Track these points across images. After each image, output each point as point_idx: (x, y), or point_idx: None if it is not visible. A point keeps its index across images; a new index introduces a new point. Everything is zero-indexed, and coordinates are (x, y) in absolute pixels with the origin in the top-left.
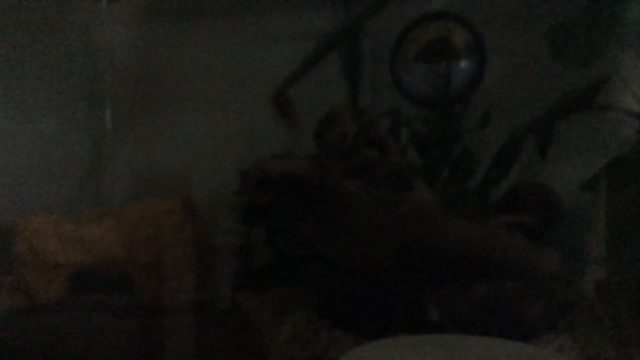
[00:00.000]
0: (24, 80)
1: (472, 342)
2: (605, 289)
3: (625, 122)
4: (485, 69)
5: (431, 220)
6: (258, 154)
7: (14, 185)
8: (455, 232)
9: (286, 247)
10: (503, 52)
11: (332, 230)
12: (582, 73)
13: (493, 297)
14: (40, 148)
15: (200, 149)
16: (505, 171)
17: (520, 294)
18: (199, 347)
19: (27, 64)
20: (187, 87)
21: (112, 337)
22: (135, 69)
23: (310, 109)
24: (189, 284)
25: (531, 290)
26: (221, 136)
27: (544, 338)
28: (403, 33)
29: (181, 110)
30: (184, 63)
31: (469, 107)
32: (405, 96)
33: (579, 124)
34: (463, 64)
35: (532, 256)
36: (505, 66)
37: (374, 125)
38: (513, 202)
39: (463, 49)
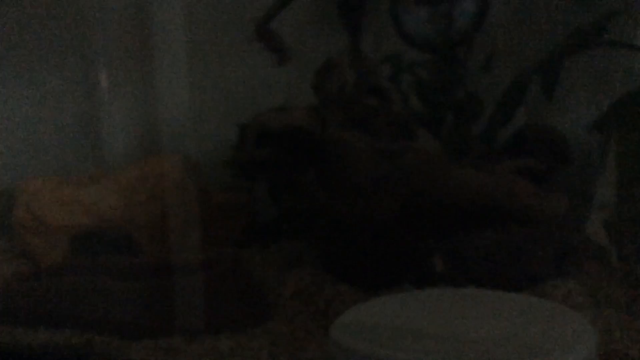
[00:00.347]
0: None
1: (475, 296)
2: (615, 230)
3: (635, 58)
4: (488, 9)
5: (435, 169)
6: (258, 105)
7: (13, 148)
8: (460, 180)
9: (289, 202)
10: None
11: (334, 183)
12: (590, 9)
13: (499, 245)
14: (37, 109)
15: (198, 102)
16: (510, 114)
17: (527, 240)
18: (203, 306)
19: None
20: (179, 36)
21: (116, 299)
22: (126, 20)
23: (306, 57)
24: (192, 243)
25: (538, 235)
26: (219, 87)
27: (552, 283)
28: None
29: (176, 60)
30: (171, 10)
31: (472, 50)
32: (406, 40)
33: (587, 63)
34: (465, 4)
35: (539, 201)
36: (509, 5)
37: (374, 73)
38: (519, 146)
39: None
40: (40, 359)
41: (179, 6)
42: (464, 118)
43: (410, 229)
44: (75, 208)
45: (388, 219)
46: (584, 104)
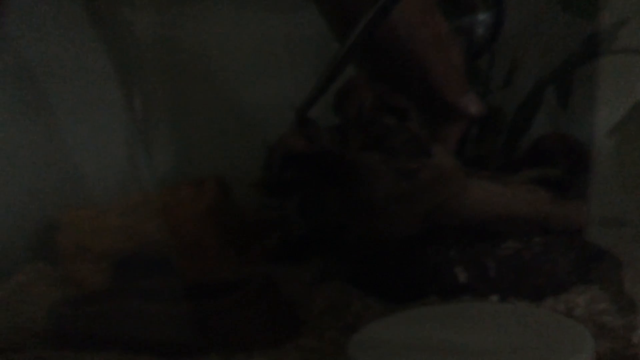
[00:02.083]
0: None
1: (492, 310)
2: (636, 233)
3: None
4: (504, 20)
5: (452, 184)
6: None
7: (58, 177)
8: (478, 194)
9: (317, 219)
10: (519, 4)
11: (355, 202)
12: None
13: (520, 254)
14: (79, 140)
15: (226, 126)
16: (528, 124)
17: (548, 249)
18: (237, 324)
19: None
20: (208, 66)
21: (155, 321)
22: (158, 52)
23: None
24: (227, 262)
25: (559, 244)
26: (247, 112)
27: (575, 290)
28: None
29: (207, 88)
30: (204, 44)
31: (494, 63)
32: None
33: (601, 70)
34: (481, 16)
35: (558, 210)
36: (524, 18)
37: (391, 92)
38: (538, 155)
39: (480, 2)
40: None
41: None
42: (489, 131)
43: (431, 242)
44: (115, 234)
45: (409, 233)
46: (603, 110)
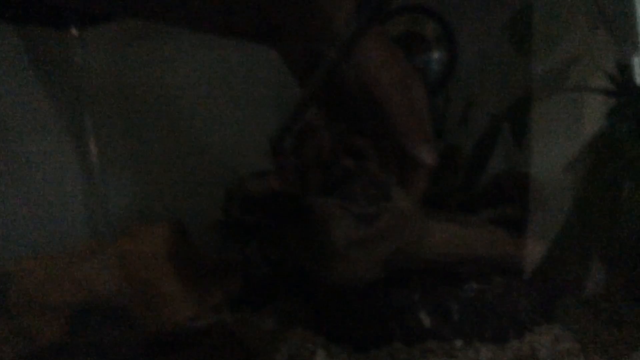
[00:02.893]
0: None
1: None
2: (600, 267)
3: (598, 100)
4: (457, 61)
5: (412, 228)
6: (244, 166)
7: (8, 227)
8: (438, 236)
9: (278, 263)
10: (472, 43)
11: (315, 246)
12: (552, 56)
13: (483, 296)
14: (31, 184)
15: (185, 167)
16: (484, 163)
17: (509, 289)
18: None
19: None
20: (167, 104)
21: None
22: (115, 92)
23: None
24: (187, 310)
25: (520, 283)
26: (205, 152)
27: (538, 330)
28: None
29: (164, 129)
30: (160, 83)
31: (449, 101)
32: None
33: (554, 107)
34: (435, 55)
35: (517, 249)
36: (476, 56)
37: (350, 133)
38: (495, 193)
39: (434, 41)
40: None
41: None
42: (447, 169)
43: (394, 286)
44: (69, 285)
45: (371, 278)
46: (558, 146)
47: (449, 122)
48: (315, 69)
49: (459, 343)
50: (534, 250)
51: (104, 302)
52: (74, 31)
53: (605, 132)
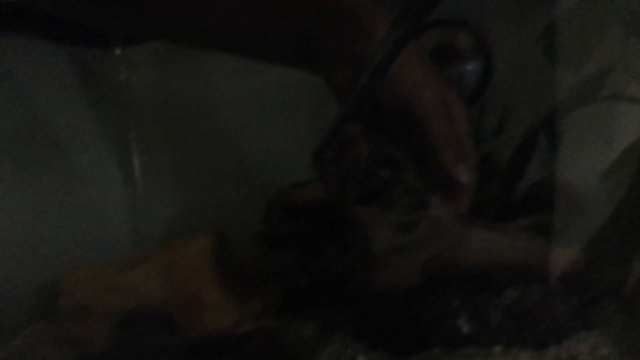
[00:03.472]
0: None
1: None
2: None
3: (633, 109)
4: (492, 71)
5: (449, 235)
6: (283, 179)
7: (57, 238)
8: (475, 243)
9: (318, 271)
10: (507, 54)
11: (354, 255)
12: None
13: (521, 303)
14: (78, 200)
15: (226, 179)
16: (521, 171)
17: (548, 296)
18: None
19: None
20: (207, 121)
21: None
22: (156, 109)
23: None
24: (229, 317)
25: (558, 290)
26: (244, 165)
27: (577, 336)
28: None
29: (205, 144)
30: (201, 99)
31: (485, 111)
32: None
33: (590, 116)
34: (470, 66)
35: (555, 256)
36: (512, 68)
37: (386, 144)
38: (533, 202)
39: (468, 53)
40: None
41: None
42: (484, 179)
43: (433, 293)
44: (116, 293)
45: (409, 285)
46: (594, 155)
47: (485, 132)
48: (355, 86)
49: (497, 349)
50: (571, 257)
51: (150, 310)
52: (118, 51)
53: None
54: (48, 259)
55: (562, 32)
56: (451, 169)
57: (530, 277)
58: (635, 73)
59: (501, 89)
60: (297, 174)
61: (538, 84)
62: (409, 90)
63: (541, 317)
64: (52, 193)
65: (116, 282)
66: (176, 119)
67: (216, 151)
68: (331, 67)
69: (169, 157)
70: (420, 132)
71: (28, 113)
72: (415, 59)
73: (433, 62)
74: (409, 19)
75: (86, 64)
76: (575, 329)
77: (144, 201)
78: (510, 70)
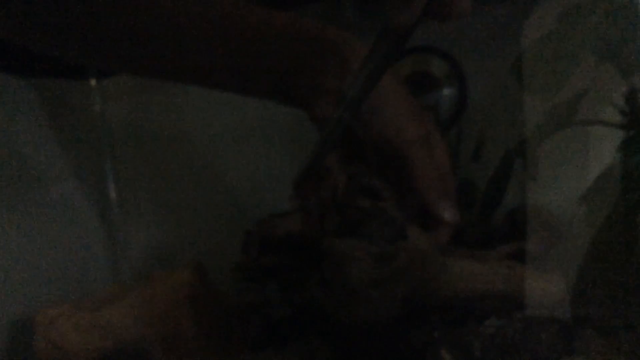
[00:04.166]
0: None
1: None
2: (620, 298)
3: (607, 133)
4: (467, 98)
5: (429, 266)
6: (262, 209)
7: (31, 270)
8: (456, 273)
9: (298, 303)
10: (480, 81)
11: (334, 286)
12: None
13: (503, 332)
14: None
15: (203, 210)
16: (499, 198)
17: (529, 324)
18: None
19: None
20: (183, 151)
21: None
22: (132, 139)
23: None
24: (209, 353)
25: (540, 318)
26: (223, 195)
27: None
28: None
29: (182, 174)
30: (177, 130)
31: (462, 138)
32: None
33: (565, 141)
34: (445, 92)
35: (536, 284)
36: (485, 94)
37: (364, 173)
38: (511, 229)
39: (443, 79)
40: None
41: None
42: (462, 205)
43: (414, 324)
44: (92, 332)
45: (390, 317)
46: (572, 179)
47: (461, 158)
48: (331, 118)
49: None
50: (551, 284)
51: (128, 347)
52: (93, 82)
53: (618, 164)
54: (22, 296)
55: (535, 60)
56: (435, 208)
57: (511, 306)
58: (609, 97)
59: (477, 115)
60: (276, 204)
61: (513, 109)
62: (391, 127)
63: (523, 345)
64: (26, 226)
65: (92, 320)
66: (152, 149)
67: (194, 181)
68: (312, 100)
69: (145, 188)
70: (403, 168)
71: (1, 146)
72: (395, 92)
73: (409, 91)
74: (384, 51)
75: (60, 95)
76: (558, 356)
77: (121, 232)
78: (485, 97)
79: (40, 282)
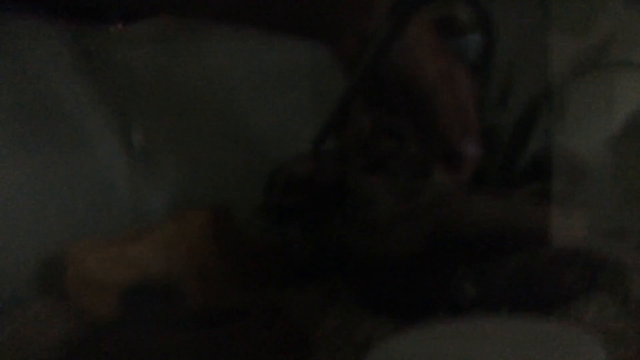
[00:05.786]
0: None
1: (502, 324)
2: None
3: (636, 77)
4: (493, 42)
5: (453, 203)
6: (286, 152)
7: (60, 211)
8: (480, 209)
9: (321, 243)
10: (509, 24)
11: (359, 224)
12: (589, 34)
13: (527, 267)
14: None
15: (228, 154)
16: (525, 140)
17: (554, 260)
18: (248, 351)
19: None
20: (208, 97)
21: (165, 349)
22: (156, 87)
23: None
24: (234, 289)
25: (564, 254)
26: (247, 137)
27: (583, 299)
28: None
29: (207, 118)
30: (202, 76)
31: (488, 82)
32: None
33: (593, 84)
34: (471, 38)
35: (559, 220)
36: (514, 37)
37: (389, 115)
38: (537, 171)
39: (468, 24)
40: None
41: None
42: (488, 148)
43: (437, 259)
44: (120, 266)
45: (415, 252)
46: (601, 121)
47: (488, 103)
48: (362, 60)
49: (504, 313)
50: (576, 222)
51: (155, 281)
52: (117, 27)
53: None
54: (52, 230)
55: (562, 1)
56: (457, 143)
57: (535, 242)
58: (637, 40)
59: (503, 59)
60: (298, 148)
61: (540, 53)
62: (416, 63)
63: (547, 281)
64: (53, 163)
65: (122, 253)
66: (176, 94)
67: (218, 126)
68: (338, 38)
69: (169, 131)
70: (426, 105)
71: (26, 86)
72: (423, 31)
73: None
74: None
75: (82, 40)
76: (581, 292)
77: (146, 175)
78: (512, 40)
79: (70, 216)
